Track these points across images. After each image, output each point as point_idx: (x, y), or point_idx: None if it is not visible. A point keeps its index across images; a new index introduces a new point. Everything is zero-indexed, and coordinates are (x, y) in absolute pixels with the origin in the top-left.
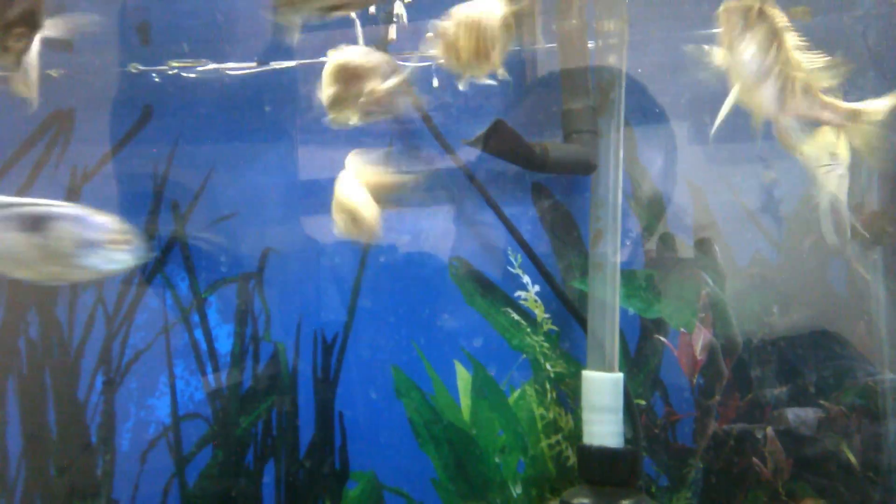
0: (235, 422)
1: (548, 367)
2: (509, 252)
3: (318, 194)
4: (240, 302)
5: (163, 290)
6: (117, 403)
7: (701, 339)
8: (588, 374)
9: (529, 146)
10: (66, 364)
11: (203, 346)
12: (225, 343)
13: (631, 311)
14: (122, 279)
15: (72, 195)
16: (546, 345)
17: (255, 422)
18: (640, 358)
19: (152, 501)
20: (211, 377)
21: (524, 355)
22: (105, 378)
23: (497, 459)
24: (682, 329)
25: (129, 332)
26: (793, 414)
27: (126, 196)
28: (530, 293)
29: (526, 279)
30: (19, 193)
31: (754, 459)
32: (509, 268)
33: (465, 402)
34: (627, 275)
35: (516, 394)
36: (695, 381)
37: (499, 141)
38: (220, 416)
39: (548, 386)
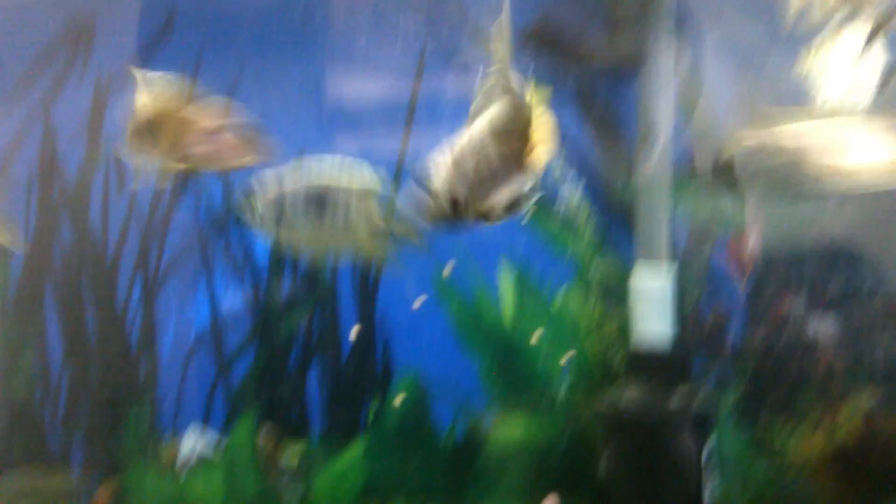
0: (276, 326)
1: (592, 267)
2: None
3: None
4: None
5: (197, 199)
6: (156, 310)
7: (752, 237)
8: (638, 271)
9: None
10: (102, 271)
11: (240, 250)
12: (263, 247)
13: (679, 211)
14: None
15: (97, 108)
16: (591, 245)
17: (296, 326)
18: (688, 260)
19: (197, 405)
20: (250, 281)
21: (568, 256)
22: (143, 284)
23: (542, 360)
24: (731, 231)
25: (164, 239)
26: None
27: None
28: (574, 194)
29: (570, 178)
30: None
31: (805, 360)
32: (551, 175)
33: (507, 304)
34: (676, 176)
35: (560, 295)
36: (744, 282)
37: (543, 35)
38: (261, 320)
39: (592, 286)
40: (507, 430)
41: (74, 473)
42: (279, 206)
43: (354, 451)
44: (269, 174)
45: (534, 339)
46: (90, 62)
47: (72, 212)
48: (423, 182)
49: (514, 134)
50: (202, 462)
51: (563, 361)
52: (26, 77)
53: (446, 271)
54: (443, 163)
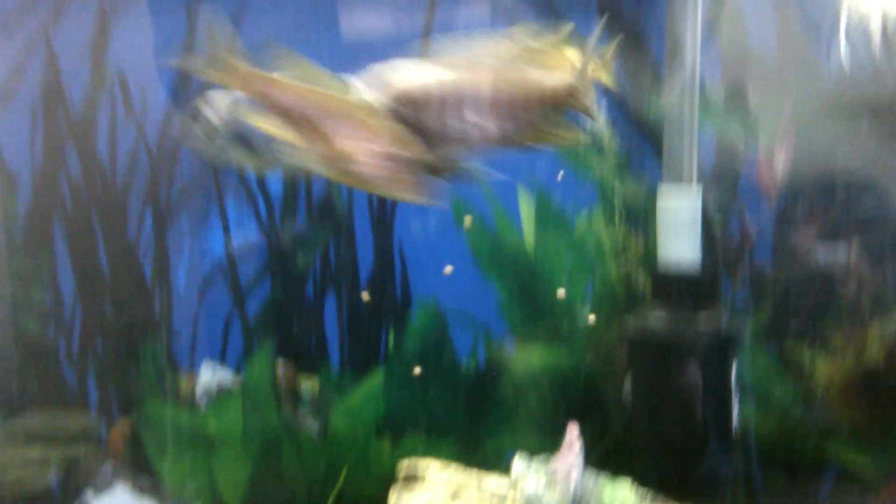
0: (292, 256)
1: (616, 188)
2: None
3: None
4: None
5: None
6: (169, 240)
7: (782, 154)
8: (664, 191)
9: None
10: (112, 201)
11: (253, 178)
12: (276, 175)
13: (707, 126)
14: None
15: (100, 33)
16: (615, 166)
17: (312, 254)
18: (717, 178)
19: (214, 336)
20: (264, 209)
21: (591, 178)
22: (154, 214)
23: (563, 285)
24: (761, 150)
25: (175, 167)
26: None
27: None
28: (598, 113)
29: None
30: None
31: (832, 282)
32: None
33: (528, 227)
34: (704, 94)
35: (583, 218)
36: (774, 200)
37: None
38: (276, 250)
39: (616, 208)
40: (528, 356)
41: (91, 411)
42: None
43: (374, 382)
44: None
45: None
46: None
47: (78, 140)
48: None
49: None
50: (220, 395)
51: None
52: (26, 2)
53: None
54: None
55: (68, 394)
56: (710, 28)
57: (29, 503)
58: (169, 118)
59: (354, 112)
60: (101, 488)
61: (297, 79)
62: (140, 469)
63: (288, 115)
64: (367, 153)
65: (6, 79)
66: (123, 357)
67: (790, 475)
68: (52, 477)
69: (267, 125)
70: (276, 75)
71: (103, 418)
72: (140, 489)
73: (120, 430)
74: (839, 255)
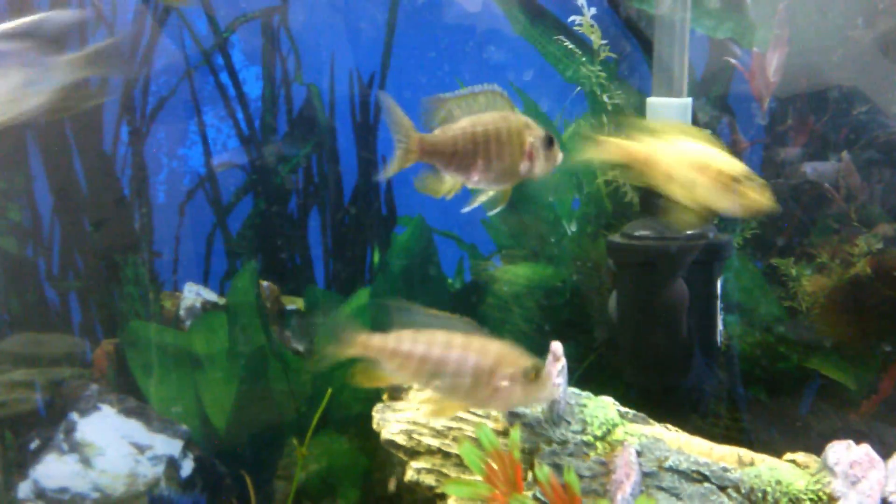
0: (274, 169)
1: (605, 98)
2: None
3: None
4: (265, 41)
5: (180, 31)
6: (147, 154)
7: (776, 58)
8: (653, 101)
9: None
10: (85, 114)
11: (231, 90)
12: (254, 87)
13: (699, 31)
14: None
15: None
16: (603, 74)
17: (294, 169)
18: (707, 83)
19: (196, 253)
20: (242, 122)
21: (579, 87)
22: (130, 128)
23: (550, 198)
24: (754, 48)
25: (149, 77)
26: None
27: None
28: (586, 17)
29: (580, 1)
30: None
31: (825, 185)
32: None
33: None
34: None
35: (571, 129)
36: (766, 104)
37: None
38: (258, 163)
39: (605, 119)
40: (514, 270)
41: (75, 332)
42: None
43: (360, 299)
44: None
45: None
46: None
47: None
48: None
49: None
50: (205, 315)
51: None
52: None
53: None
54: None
55: (51, 315)
56: None
57: (15, 426)
58: (140, 23)
59: None
60: (86, 410)
61: None
62: (126, 390)
63: None
64: None
65: None
66: (105, 277)
67: (773, 390)
68: (37, 399)
69: None
70: None
71: (87, 339)
72: (126, 411)
73: (104, 351)
74: (828, 168)
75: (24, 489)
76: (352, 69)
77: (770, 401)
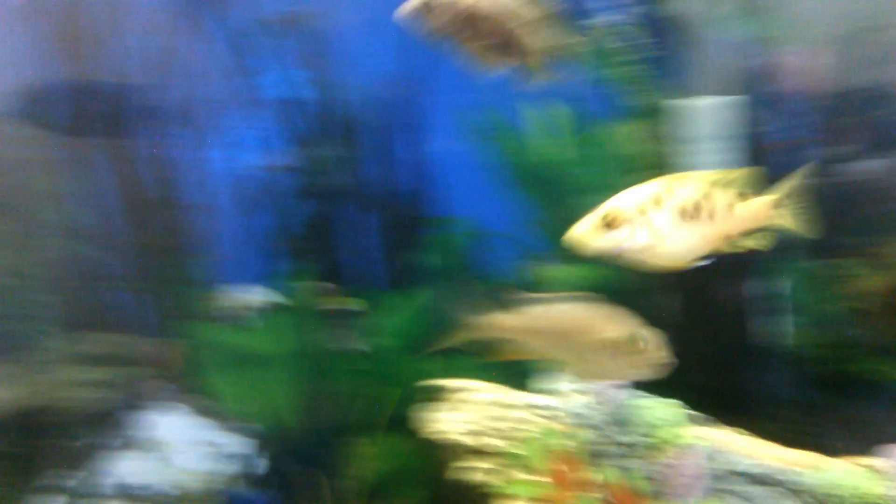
0: (329, 172)
1: (640, 97)
2: None
3: None
4: (317, 45)
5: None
6: (208, 158)
7: (824, 61)
8: (685, 101)
9: None
10: (145, 118)
11: (285, 94)
12: (306, 93)
13: (741, 30)
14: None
15: None
16: (638, 73)
17: (347, 171)
18: (754, 84)
19: (258, 254)
20: (297, 125)
21: (613, 86)
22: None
23: (590, 195)
24: (803, 51)
25: (207, 82)
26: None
27: None
28: (619, 16)
29: (613, 4)
30: None
31: (875, 194)
32: None
33: (552, 139)
34: None
35: (606, 128)
36: (812, 105)
37: None
38: (313, 166)
39: (640, 118)
40: (571, 271)
41: (149, 333)
42: None
43: (418, 301)
44: None
45: None
46: None
47: (68, 49)
48: None
49: None
50: (272, 315)
51: None
52: None
53: None
54: None
55: (125, 317)
56: None
57: (95, 424)
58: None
59: None
60: (164, 409)
61: None
62: (199, 390)
63: None
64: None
65: None
66: (175, 278)
67: (842, 393)
68: (116, 398)
69: None
70: None
71: (160, 340)
72: (201, 410)
73: (176, 352)
74: (882, 165)
75: (107, 486)
76: (403, 73)
77: (840, 404)
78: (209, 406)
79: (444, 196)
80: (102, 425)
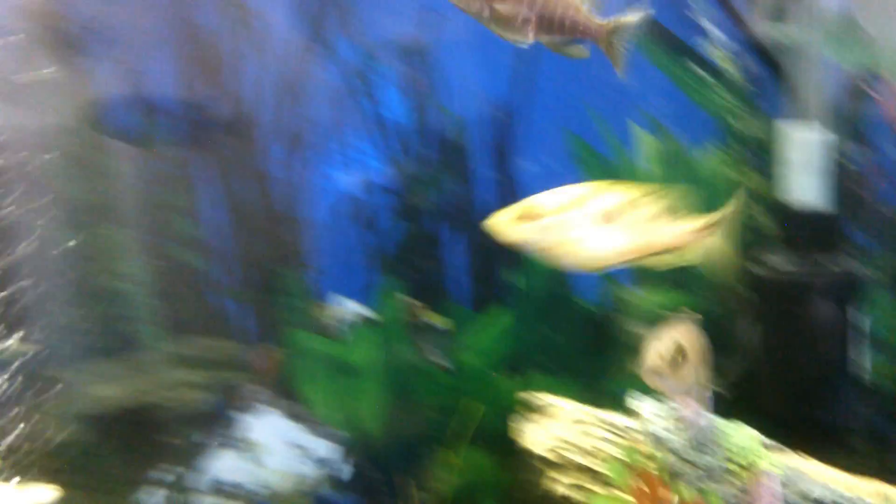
0: (419, 191)
1: (738, 126)
2: None
3: None
4: (411, 71)
5: (333, 61)
6: (305, 175)
7: None
8: (785, 130)
9: None
10: (247, 140)
11: (380, 117)
12: (401, 114)
13: (831, 57)
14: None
15: None
16: (736, 102)
17: (437, 191)
18: (841, 111)
19: (351, 268)
20: (391, 146)
21: (711, 114)
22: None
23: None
24: (891, 77)
25: (305, 103)
26: None
27: None
28: (718, 45)
29: (713, 29)
30: None
31: None
32: (692, 15)
33: (646, 165)
34: (829, 18)
35: (703, 155)
36: None
37: None
38: (404, 186)
39: (738, 146)
40: (652, 297)
41: (248, 340)
42: None
43: (502, 320)
44: None
45: None
46: None
47: (208, 73)
48: None
49: None
50: (362, 328)
51: None
52: None
53: None
54: None
55: (227, 323)
56: None
57: (192, 423)
58: (296, 53)
59: None
60: (258, 413)
61: None
62: (291, 396)
63: None
64: None
65: (145, 16)
66: (274, 289)
67: None
68: (214, 400)
69: None
70: None
71: (260, 347)
72: (293, 415)
73: (274, 358)
74: None
75: (203, 483)
76: (491, 97)
77: None
78: (301, 411)
79: None
80: (201, 425)
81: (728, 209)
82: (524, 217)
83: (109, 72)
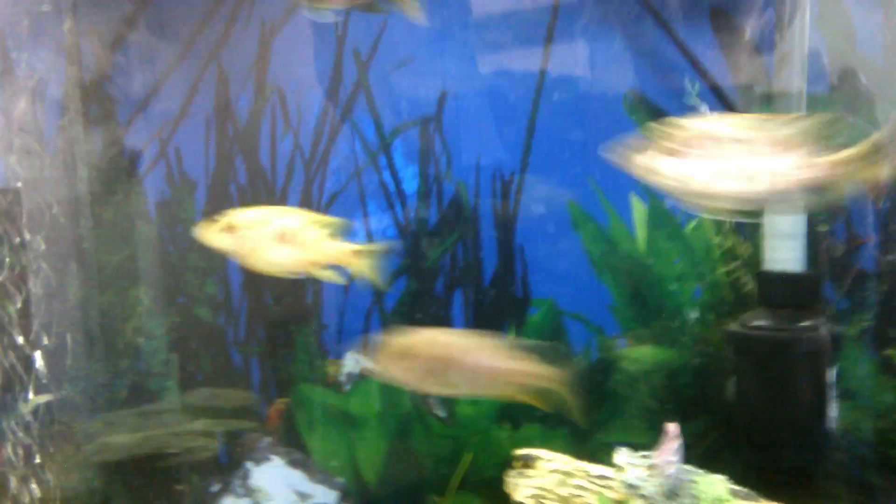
0: (424, 255)
1: None
2: (686, 82)
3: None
4: (421, 144)
5: (352, 136)
6: None
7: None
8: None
9: None
10: (272, 203)
11: (391, 186)
12: (410, 183)
13: None
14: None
15: (262, 50)
16: None
17: (442, 254)
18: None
19: (356, 326)
20: (400, 215)
21: None
22: None
23: (673, 287)
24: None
25: (324, 175)
26: None
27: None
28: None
29: (704, 109)
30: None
31: None
32: (686, 99)
33: (640, 232)
34: (814, 102)
35: (693, 223)
36: (880, 203)
37: None
38: (411, 249)
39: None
40: (639, 351)
41: (253, 391)
42: None
43: None
44: None
45: None
46: (254, 10)
47: (244, 149)
48: None
49: None
50: (362, 380)
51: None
52: (198, 25)
53: None
54: None
55: (234, 375)
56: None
57: (198, 470)
58: (320, 128)
59: None
60: (259, 460)
61: None
62: (292, 444)
63: None
64: None
65: (184, 96)
66: (281, 344)
67: (888, 475)
68: (217, 447)
69: None
70: None
71: (263, 398)
72: (292, 462)
73: (277, 408)
74: None
75: None
76: (495, 167)
77: (885, 485)
78: (301, 459)
79: (528, 279)
80: (206, 471)
81: (379, 244)
82: (225, 229)
83: (149, 143)
